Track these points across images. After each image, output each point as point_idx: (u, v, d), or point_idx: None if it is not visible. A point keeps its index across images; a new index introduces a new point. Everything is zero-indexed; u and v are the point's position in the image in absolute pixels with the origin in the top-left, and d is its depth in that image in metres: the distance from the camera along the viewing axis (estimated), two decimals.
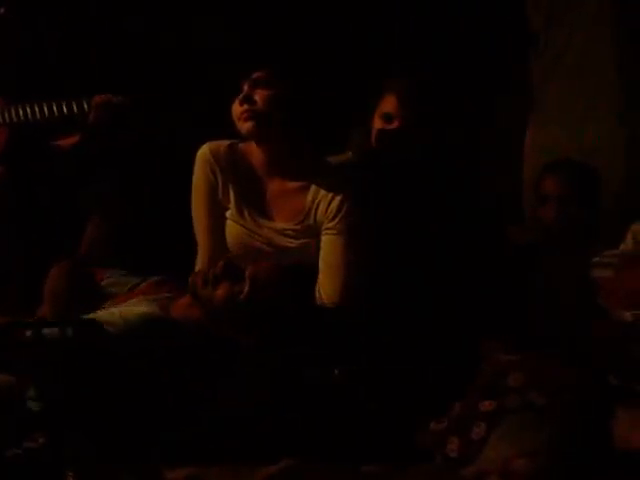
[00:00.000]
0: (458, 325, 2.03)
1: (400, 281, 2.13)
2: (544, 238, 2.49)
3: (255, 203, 2.19)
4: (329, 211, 2.12)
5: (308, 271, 2.06)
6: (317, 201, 2.14)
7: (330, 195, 2.12)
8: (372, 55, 2.96)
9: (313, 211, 2.14)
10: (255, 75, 2.11)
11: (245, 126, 2.11)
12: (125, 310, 2.02)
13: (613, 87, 3.00)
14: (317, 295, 2.12)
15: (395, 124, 2.24)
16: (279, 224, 2.16)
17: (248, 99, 2.10)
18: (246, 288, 1.95)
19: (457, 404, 1.82)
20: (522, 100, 3.18)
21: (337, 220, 2.12)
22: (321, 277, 2.11)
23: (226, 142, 2.23)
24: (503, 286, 2.20)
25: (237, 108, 2.12)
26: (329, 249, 2.11)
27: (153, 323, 1.93)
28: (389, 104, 2.26)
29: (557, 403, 1.71)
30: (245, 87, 2.11)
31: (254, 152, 2.19)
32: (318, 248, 2.13)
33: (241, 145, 2.22)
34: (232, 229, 2.19)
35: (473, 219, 2.29)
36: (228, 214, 2.20)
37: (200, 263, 2.22)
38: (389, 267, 2.14)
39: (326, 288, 2.10)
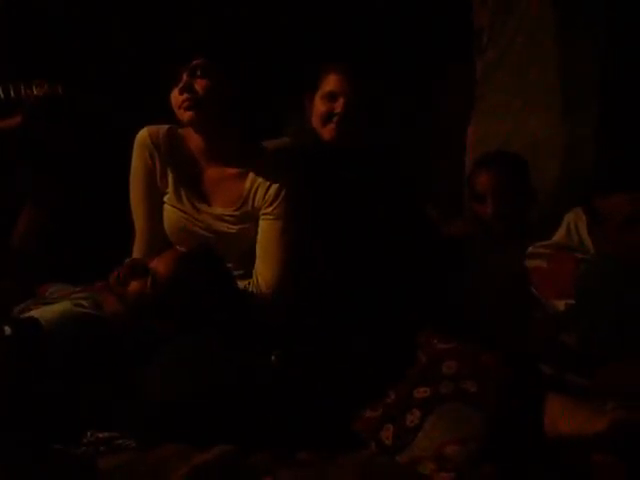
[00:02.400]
0: (394, 313, 2.04)
1: (337, 267, 2.13)
2: (480, 230, 2.52)
3: (193, 188, 2.17)
4: (267, 196, 2.12)
5: (216, 255, 2.05)
6: (255, 187, 2.13)
7: (268, 180, 2.12)
8: (309, 40, 2.95)
9: (251, 197, 2.13)
10: (194, 63, 2.08)
11: (186, 115, 2.09)
12: (43, 310, 1.99)
13: (553, 85, 3.05)
14: (254, 280, 2.11)
15: (340, 101, 2.24)
16: (217, 209, 2.15)
17: (188, 88, 2.07)
18: (149, 282, 1.95)
19: (392, 392, 1.82)
20: (464, 96, 3.22)
21: (275, 205, 2.11)
22: (258, 262, 2.11)
23: (165, 127, 2.21)
24: (439, 276, 2.22)
25: (177, 97, 2.09)
26: (266, 235, 2.11)
27: (70, 319, 1.92)
28: (332, 83, 2.26)
29: (489, 391, 1.73)
30: (184, 75, 2.08)
31: (193, 138, 2.17)
32: (257, 233, 2.13)
33: (180, 130, 2.20)
34: (170, 214, 2.17)
35: (410, 206, 2.31)
36: (166, 199, 2.18)
37: (137, 248, 2.21)
38: (326, 253, 2.15)
39: (263, 273, 2.10)
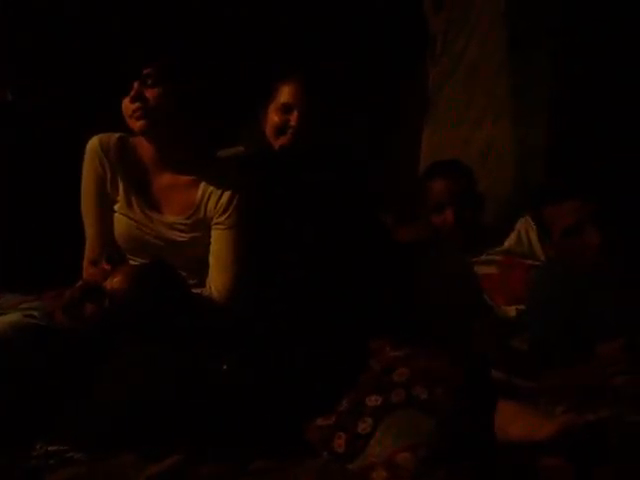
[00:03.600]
0: (346, 322, 2.04)
1: (289, 274, 2.13)
2: (434, 237, 2.54)
3: (145, 196, 2.15)
4: (219, 205, 2.11)
5: (169, 266, 2.03)
6: (207, 195, 2.12)
7: (220, 189, 2.11)
8: (264, 50, 2.95)
9: (203, 205, 2.12)
10: (145, 72, 2.07)
11: (137, 124, 2.07)
12: None
13: (506, 92, 3.09)
14: (207, 289, 2.10)
15: (295, 114, 2.24)
16: (169, 218, 2.13)
17: (139, 97, 2.05)
18: (106, 303, 1.93)
19: (344, 400, 1.82)
20: (418, 102, 3.25)
21: (227, 215, 2.11)
22: (211, 272, 2.10)
23: (116, 135, 2.19)
24: (392, 284, 2.23)
25: (128, 105, 2.07)
26: (219, 244, 2.10)
27: (21, 331, 1.89)
28: (287, 95, 2.26)
29: (440, 397, 1.74)
30: (135, 84, 2.07)
31: (144, 146, 2.15)
32: (209, 242, 2.12)
33: (131, 138, 2.18)
34: (121, 222, 2.15)
35: (363, 217, 2.31)
36: (117, 207, 2.16)
37: (88, 256, 2.18)
38: (279, 263, 2.14)
39: (216, 283, 2.09)
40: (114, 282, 1.95)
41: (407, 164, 3.20)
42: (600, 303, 2.02)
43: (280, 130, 2.27)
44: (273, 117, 2.28)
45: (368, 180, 2.62)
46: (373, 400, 1.78)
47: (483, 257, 2.47)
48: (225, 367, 1.90)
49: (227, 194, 2.10)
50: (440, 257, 2.40)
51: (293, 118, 2.24)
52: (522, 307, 2.24)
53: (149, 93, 2.06)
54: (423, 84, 3.27)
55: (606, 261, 1.97)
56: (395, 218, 2.78)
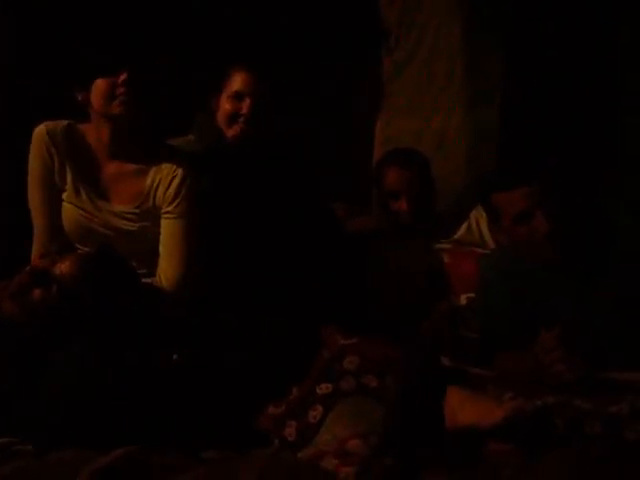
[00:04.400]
0: (297, 310, 2.04)
1: (239, 265, 2.12)
2: (390, 226, 2.55)
3: (93, 185, 2.12)
4: (168, 194, 2.09)
5: (118, 254, 2.01)
6: (156, 184, 2.10)
7: (169, 178, 2.09)
8: (215, 38, 2.92)
9: (152, 194, 2.10)
10: (132, 58, 2.04)
11: (119, 109, 2.03)
12: None
13: (460, 82, 3.11)
14: (157, 278, 2.09)
15: (247, 102, 2.22)
16: (117, 207, 2.11)
17: (129, 82, 2.01)
18: (54, 288, 1.90)
19: (295, 388, 1.83)
20: (373, 92, 3.25)
21: (176, 203, 2.09)
22: (161, 261, 2.09)
23: (64, 122, 2.15)
24: (343, 272, 2.23)
25: (108, 88, 2.03)
26: (168, 233, 2.09)
27: None
28: (239, 82, 2.25)
29: (389, 384, 1.75)
30: (124, 70, 2.02)
31: (93, 133, 2.12)
32: (159, 232, 2.10)
33: (79, 126, 2.15)
34: (69, 212, 2.12)
35: (313, 206, 2.31)
36: (65, 196, 2.13)
37: (37, 246, 2.15)
38: (229, 251, 2.13)
39: (166, 272, 2.08)
40: (62, 267, 1.92)
41: (361, 153, 3.20)
42: (547, 290, 2.04)
43: (232, 118, 2.26)
44: (225, 105, 2.27)
45: (320, 169, 2.62)
46: (323, 388, 1.79)
47: (435, 246, 2.48)
48: (176, 356, 1.88)
49: (176, 183, 2.09)
50: (393, 246, 2.41)
51: (245, 106, 2.23)
52: (473, 295, 2.26)
53: (135, 79, 2.02)
54: (378, 73, 3.27)
55: (554, 247, 1.98)
56: (348, 207, 2.79)
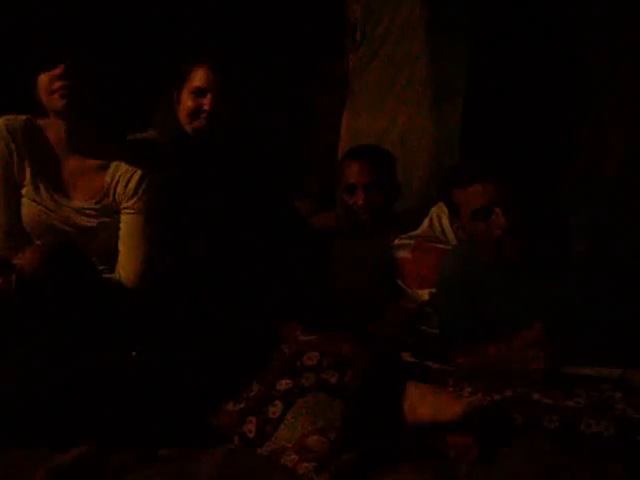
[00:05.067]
0: (257, 306, 2.04)
1: (199, 262, 2.11)
2: (348, 221, 2.55)
3: (52, 181, 2.10)
4: (128, 190, 2.08)
5: (79, 248, 1.99)
6: (116, 180, 2.09)
7: (129, 174, 2.08)
8: (178, 33, 2.91)
9: (112, 190, 2.09)
10: (72, 50, 2.01)
11: (60, 103, 2.02)
12: None
13: (424, 79, 3.13)
14: (116, 274, 2.08)
15: (208, 98, 2.21)
16: (77, 203, 2.09)
17: (67, 75, 2.00)
18: (14, 278, 1.88)
19: (255, 384, 1.82)
20: (338, 89, 3.26)
21: (135, 199, 2.08)
22: (120, 257, 2.08)
23: (22, 117, 2.13)
24: (304, 268, 2.23)
25: (50, 82, 2.01)
26: (128, 229, 2.08)
27: None
28: (200, 78, 2.24)
29: (349, 380, 1.75)
30: (62, 62, 2.00)
31: (53, 128, 2.10)
32: (119, 228, 2.09)
33: (39, 121, 2.12)
34: (28, 207, 2.09)
35: (274, 202, 2.31)
36: (24, 192, 2.10)
37: None
38: (189, 247, 2.13)
39: (125, 268, 2.07)
40: (23, 257, 1.90)
41: (327, 150, 3.21)
42: (505, 286, 2.06)
43: (194, 114, 2.24)
44: (186, 101, 2.26)
45: (286, 166, 2.62)
46: (283, 384, 1.78)
47: (396, 241, 2.49)
48: (134, 353, 1.87)
49: (136, 178, 2.08)
50: (353, 242, 2.42)
51: (207, 102, 2.22)
52: (434, 290, 2.27)
53: (75, 72, 2.01)
54: (343, 70, 3.28)
55: (511, 244, 2.00)
56: (313, 203, 2.79)
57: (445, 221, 2.45)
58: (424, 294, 2.34)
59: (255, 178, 2.29)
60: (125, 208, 2.08)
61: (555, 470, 1.61)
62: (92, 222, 2.09)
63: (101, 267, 2.09)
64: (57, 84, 2.01)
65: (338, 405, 1.72)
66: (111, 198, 2.09)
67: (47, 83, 2.03)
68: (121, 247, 2.08)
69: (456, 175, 2.11)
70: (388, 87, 3.20)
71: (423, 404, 1.72)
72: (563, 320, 1.96)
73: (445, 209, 2.32)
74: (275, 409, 1.75)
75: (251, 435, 1.76)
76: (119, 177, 2.08)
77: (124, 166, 2.09)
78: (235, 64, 2.29)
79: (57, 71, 2.01)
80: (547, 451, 1.68)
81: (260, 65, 2.80)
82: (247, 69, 2.37)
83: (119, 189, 2.08)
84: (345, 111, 3.24)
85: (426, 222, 2.52)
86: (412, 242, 2.48)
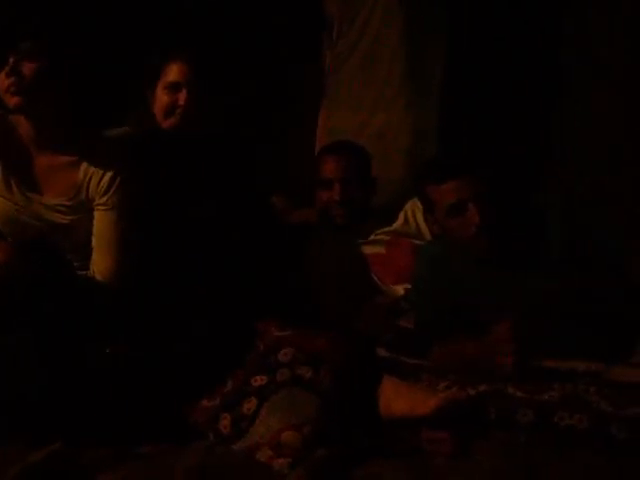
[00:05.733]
0: (232, 303, 2.03)
1: (174, 258, 2.10)
2: (323, 217, 2.55)
3: (24, 177, 2.08)
4: (101, 186, 2.06)
5: (52, 244, 1.98)
6: (89, 176, 2.06)
7: (102, 170, 2.06)
8: (152, 27, 2.89)
9: (85, 186, 2.07)
10: (22, 45, 1.99)
11: (13, 100, 1.99)
12: None
13: (402, 75, 3.13)
14: (91, 272, 2.06)
15: (183, 93, 2.20)
16: (49, 199, 2.07)
17: (15, 72, 1.98)
18: None
19: (229, 380, 1.82)
20: (315, 85, 3.25)
21: (109, 195, 2.06)
22: (94, 254, 2.06)
23: None
24: (279, 264, 2.23)
25: (3, 80, 1.99)
26: (101, 225, 2.06)
27: None
28: (175, 73, 2.22)
29: (323, 375, 1.75)
30: (11, 59, 1.98)
31: (24, 125, 2.07)
32: (92, 225, 2.07)
33: (10, 117, 2.09)
34: (0, 205, 2.07)
35: (250, 200, 2.30)
36: None
37: None
38: (164, 243, 2.11)
39: (99, 265, 2.05)
40: None
41: (304, 147, 3.20)
42: (479, 281, 2.07)
43: (169, 110, 2.23)
44: (161, 97, 2.25)
45: (264, 162, 2.61)
46: (258, 380, 1.78)
47: (371, 237, 2.50)
48: (109, 350, 1.86)
49: (109, 174, 2.06)
50: (328, 238, 2.41)
51: (181, 97, 2.21)
52: (409, 286, 2.28)
53: (26, 68, 1.98)
54: (320, 67, 3.27)
55: (485, 240, 2.01)
56: (290, 200, 2.78)
57: (420, 217, 2.46)
58: (399, 289, 2.34)
59: (229, 174, 2.28)
60: (98, 205, 2.06)
61: (530, 463, 1.62)
62: (66, 219, 2.07)
63: (75, 264, 2.07)
64: (6, 82, 1.99)
65: (313, 401, 1.72)
66: (84, 194, 2.06)
67: (1, 81, 2.00)
68: (94, 243, 2.06)
69: (430, 171, 2.12)
70: (365, 84, 3.20)
71: (398, 399, 1.72)
72: (537, 314, 1.97)
73: (420, 204, 2.32)
74: (250, 405, 1.75)
75: (226, 431, 1.75)
76: (92, 173, 2.06)
77: (97, 162, 2.07)
78: (210, 59, 2.28)
79: (6, 69, 1.98)
80: (522, 444, 1.69)
81: (237, 61, 2.80)
82: (223, 65, 2.36)
83: (92, 186, 2.06)
84: (322, 107, 3.24)
85: (401, 218, 2.53)
86: (386, 238, 2.49)
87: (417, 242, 2.42)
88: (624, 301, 2.06)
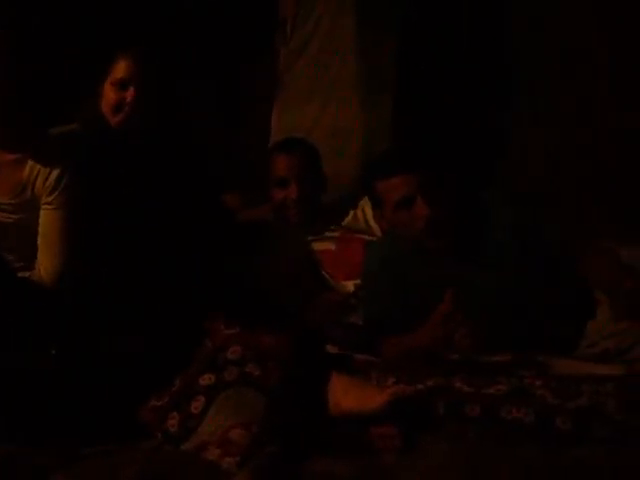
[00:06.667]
0: (181, 301, 2.02)
1: (121, 257, 2.08)
2: (276, 214, 2.55)
3: None
4: (47, 184, 2.03)
5: None
6: (35, 174, 2.04)
7: (48, 168, 2.04)
8: (100, 24, 2.86)
9: (30, 185, 2.04)
10: None
11: None
12: None
13: (355, 73, 3.13)
14: (37, 272, 2.04)
15: (131, 90, 2.18)
16: None
17: None
18: None
19: (178, 379, 1.81)
20: (268, 82, 3.24)
21: (56, 194, 2.03)
22: (39, 254, 2.03)
23: None
24: (229, 261, 2.22)
25: None
26: (47, 224, 2.03)
27: None
28: (122, 69, 2.20)
29: (272, 373, 1.75)
30: None
31: None
32: (37, 224, 2.04)
33: None
34: None
35: (200, 197, 2.29)
36: None
37: None
38: (112, 242, 2.09)
39: (44, 264, 2.03)
40: None
41: (257, 145, 3.19)
42: (428, 276, 2.08)
43: (117, 107, 2.21)
44: (109, 93, 2.22)
45: (217, 160, 2.59)
46: (206, 379, 1.77)
47: (325, 234, 2.50)
48: (54, 351, 1.84)
49: (55, 173, 2.03)
50: (279, 235, 2.41)
51: (129, 94, 2.19)
52: (359, 282, 2.29)
53: None
54: (273, 64, 3.26)
55: (433, 233, 2.02)
56: (243, 197, 2.77)
57: (369, 212, 2.46)
58: (349, 285, 2.35)
59: (178, 171, 2.27)
60: (45, 203, 2.04)
61: (478, 456, 1.63)
62: (10, 218, 2.04)
63: (20, 264, 2.04)
64: None
65: (261, 399, 1.72)
66: (30, 193, 2.04)
67: None
68: (40, 243, 2.03)
69: (377, 166, 2.12)
70: (318, 80, 3.19)
71: (347, 396, 1.72)
72: (486, 308, 1.99)
73: (368, 200, 2.33)
74: (198, 404, 1.74)
75: (174, 430, 1.74)
76: (38, 171, 2.04)
77: (44, 161, 2.04)
78: (159, 56, 2.26)
79: None
80: (470, 438, 1.70)
81: (188, 58, 2.78)
82: (171, 62, 2.34)
83: (38, 184, 2.03)
84: (275, 105, 3.23)
85: (351, 214, 2.54)
86: (336, 234, 2.49)
87: (367, 238, 2.43)
88: (574, 297, 2.09)
